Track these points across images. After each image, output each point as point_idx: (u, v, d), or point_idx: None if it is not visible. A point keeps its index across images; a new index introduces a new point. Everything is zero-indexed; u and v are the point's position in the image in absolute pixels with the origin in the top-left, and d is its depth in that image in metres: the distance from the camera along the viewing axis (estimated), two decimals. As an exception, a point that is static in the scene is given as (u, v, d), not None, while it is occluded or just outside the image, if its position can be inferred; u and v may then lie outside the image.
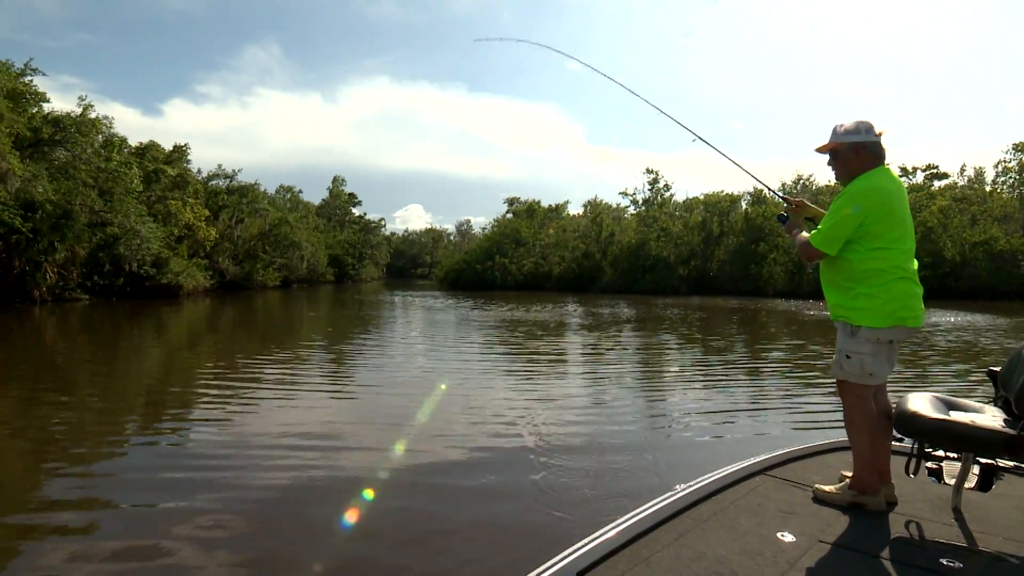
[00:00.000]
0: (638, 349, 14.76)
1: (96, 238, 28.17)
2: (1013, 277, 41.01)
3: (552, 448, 5.88)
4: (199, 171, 46.53)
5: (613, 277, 50.25)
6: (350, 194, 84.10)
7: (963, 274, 41.59)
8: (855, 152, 2.91)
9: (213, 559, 3.83)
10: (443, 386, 9.19)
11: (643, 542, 2.40)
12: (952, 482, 2.85)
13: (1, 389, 9.43)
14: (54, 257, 26.21)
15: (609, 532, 2.36)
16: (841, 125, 2.97)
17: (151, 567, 3.80)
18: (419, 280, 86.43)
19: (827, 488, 2.92)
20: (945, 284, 40.06)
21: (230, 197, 45.69)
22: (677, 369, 11.65)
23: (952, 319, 22.96)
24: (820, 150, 3.03)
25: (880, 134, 2.90)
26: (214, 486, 5.16)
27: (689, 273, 49.29)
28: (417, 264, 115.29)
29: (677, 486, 2.86)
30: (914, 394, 2.91)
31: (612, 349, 14.64)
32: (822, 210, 3.30)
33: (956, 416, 2.72)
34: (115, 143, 30.85)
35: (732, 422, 7.21)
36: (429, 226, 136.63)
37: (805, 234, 3.02)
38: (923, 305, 2.90)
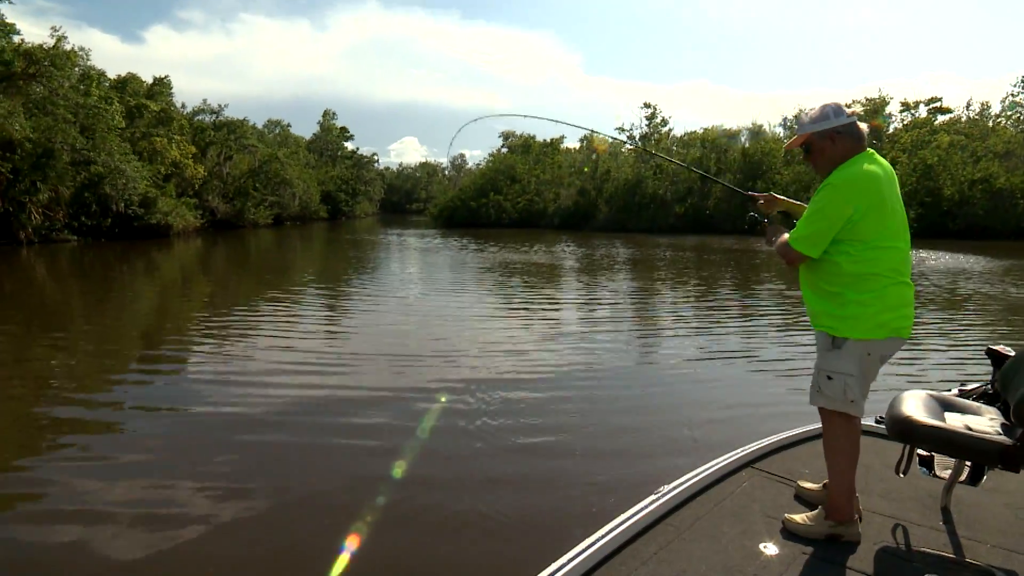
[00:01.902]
0: (633, 296, 14.68)
1: (80, 177, 27.52)
2: (1010, 216, 40.68)
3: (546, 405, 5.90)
4: (183, 106, 45.22)
5: (608, 215, 49.74)
6: (342, 128, 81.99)
7: (960, 213, 41.24)
8: (830, 140, 2.55)
9: (222, 506, 3.92)
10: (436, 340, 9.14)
11: (623, 556, 2.32)
12: (943, 474, 2.76)
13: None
14: (38, 197, 25.68)
15: (585, 551, 2.27)
16: (806, 113, 2.65)
17: (160, 511, 3.97)
18: (414, 216, 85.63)
19: (798, 519, 2.62)
20: (942, 224, 39.79)
21: (217, 133, 44.47)
22: (671, 315, 11.60)
23: (947, 260, 22.89)
24: (789, 147, 2.69)
25: (852, 114, 2.54)
26: (217, 426, 5.44)
27: (686, 211, 48.76)
28: (412, 199, 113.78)
29: (662, 487, 2.76)
30: (908, 394, 2.78)
31: (606, 298, 14.57)
32: (797, 202, 3.05)
33: (951, 421, 2.60)
34: (93, 76, 29.67)
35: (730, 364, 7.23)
36: (424, 160, 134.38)
37: (785, 235, 2.62)
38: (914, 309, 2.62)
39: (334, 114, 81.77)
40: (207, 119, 45.78)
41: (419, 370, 7.31)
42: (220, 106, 47.04)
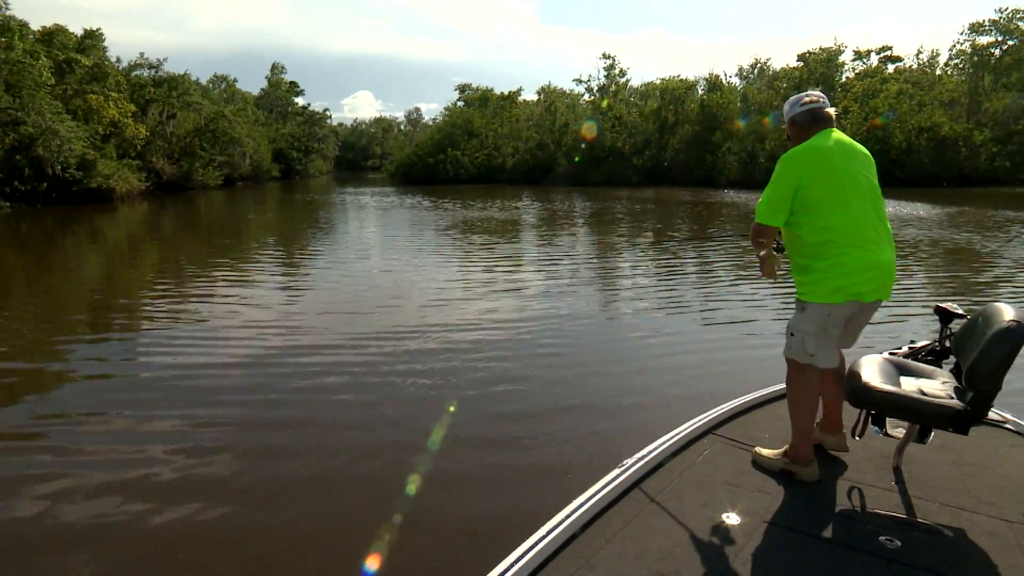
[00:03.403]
0: (594, 252, 14.71)
1: (9, 139, 25.88)
2: (953, 164, 42.13)
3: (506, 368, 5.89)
4: (118, 60, 42.61)
5: (567, 168, 49.48)
6: (291, 83, 78.78)
7: (908, 161, 42.42)
8: (791, 128, 2.89)
9: (187, 475, 3.88)
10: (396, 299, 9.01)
11: (589, 534, 2.32)
12: (896, 433, 2.84)
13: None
14: (-37, 162, 24.09)
15: (552, 532, 2.25)
16: (784, 106, 2.96)
17: (126, 478, 3.97)
18: (370, 173, 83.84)
19: (765, 452, 2.93)
20: (891, 172, 40.85)
21: (158, 90, 42.16)
22: (633, 271, 11.68)
23: (895, 208, 23.59)
24: (786, 138, 3.00)
25: (809, 101, 2.82)
26: (177, 393, 5.39)
27: (643, 163, 48.81)
28: (368, 156, 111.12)
29: (626, 460, 2.77)
30: (865, 359, 2.82)
31: (567, 254, 14.56)
32: None
33: (906, 385, 2.65)
34: (14, 28, 27.60)
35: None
36: (379, 115, 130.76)
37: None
38: (892, 272, 2.73)
39: (283, 68, 78.61)
40: (146, 74, 43.37)
41: (379, 332, 7.21)
42: (159, 60, 44.68)
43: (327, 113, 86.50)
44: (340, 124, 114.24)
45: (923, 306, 8.23)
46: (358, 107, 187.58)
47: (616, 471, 2.70)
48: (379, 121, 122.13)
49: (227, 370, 6.12)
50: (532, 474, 4.09)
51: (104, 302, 9.57)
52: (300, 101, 79.95)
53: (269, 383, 5.71)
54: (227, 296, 9.55)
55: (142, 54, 44.66)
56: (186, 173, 41.78)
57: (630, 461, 2.78)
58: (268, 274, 11.69)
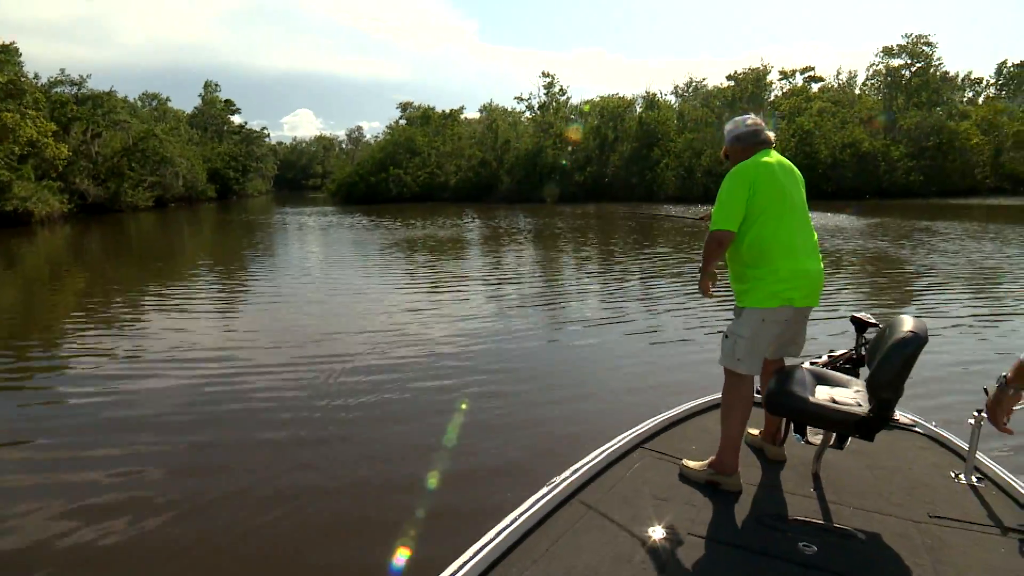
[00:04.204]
0: (537, 268, 14.81)
1: (-86, 161, 24.21)
2: (874, 177, 44.78)
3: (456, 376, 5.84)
4: (36, 76, 40.62)
5: (510, 186, 49.88)
6: (226, 101, 76.88)
7: (833, 175, 44.74)
8: (732, 146, 3.01)
9: (122, 500, 3.65)
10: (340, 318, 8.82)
11: (516, 555, 2.30)
12: (815, 440, 2.95)
13: None
14: None
15: (477, 554, 2.22)
16: (726, 127, 3.11)
17: (52, 508, 3.78)
18: (311, 193, 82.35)
19: (691, 464, 2.98)
20: (817, 186, 42.92)
21: (81, 108, 40.39)
22: (574, 286, 11.81)
23: (819, 221, 24.73)
24: (722, 157, 3.14)
25: (753, 123, 2.97)
26: (103, 423, 5.17)
27: (585, 180, 49.74)
28: (308, 175, 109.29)
29: (554, 478, 2.76)
30: (785, 368, 2.93)
31: (510, 271, 14.61)
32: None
33: (819, 394, 2.76)
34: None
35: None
36: (320, 133, 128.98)
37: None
38: (820, 281, 2.89)
39: (217, 86, 76.67)
40: (68, 91, 41.46)
41: (317, 356, 7.03)
42: (82, 77, 42.86)
43: (265, 132, 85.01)
44: (279, 143, 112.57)
45: (841, 315, 8.62)
46: (298, 125, 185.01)
47: (544, 490, 2.69)
48: (320, 139, 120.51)
49: (157, 397, 5.86)
50: (465, 490, 4.05)
51: (22, 331, 9.00)
52: (236, 119, 78.34)
53: (201, 409, 5.52)
54: (159, 322, 9.15)
55: (63, 70, 42.98)
56: (113, 194, 40.06)
57: (558, 479, 2.77)
58: (203, 299, 11.25)
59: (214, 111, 74.75)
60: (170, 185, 47.85)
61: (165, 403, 5.74)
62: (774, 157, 2.91)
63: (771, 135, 2.98)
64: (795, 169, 2.98)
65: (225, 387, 6.14)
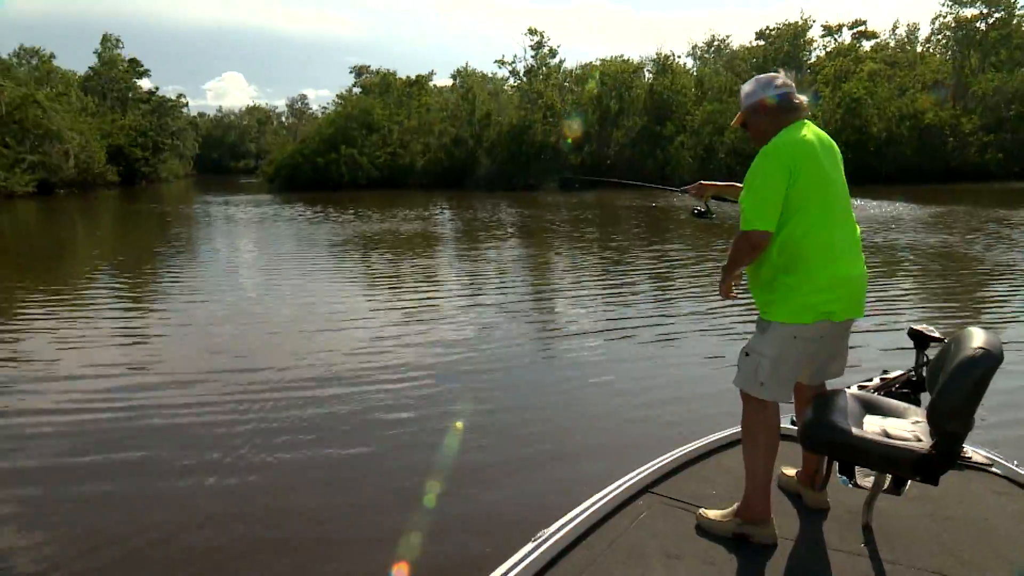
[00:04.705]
0: (525, 277, 14.81)
1: None
2: (939, 156, 45.16)
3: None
4: None
5: (491, 169, 49.97)
6: (131, 60, 76.55)
7: (889, 153, 45.20)
8: (760, 113, 2.95)
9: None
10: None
11: None
12: (865, 483, 2.94)
13: None
14: None
15: None
16: (743, 88, 3.06)
17: None
18: (242, 177, 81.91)
19: (712, 514, 2.97)
20: (870, 167, 43.42)
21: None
22: (573, 298, 11.82)
23: (872, 211, 25.02)
24: (734, 125, 3.15)
25: (783, 84, 2.92)
26: None
27: (583, 161, 49.97)
28: (239, 155, 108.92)
29: (542, 531, 2.76)
30: (827, 394, 2.92)
31: (492, 279, 14.61)
32: (727, 183, 3.59)
33: (869, 426, 2.75)
34: None
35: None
36: (253, 103, 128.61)
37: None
38: (864, 288, 2.92)
39: (118, 41, 76.26)
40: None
41: (255, 374, 6.99)
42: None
43: (183, 100, 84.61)
44: (201, 114, 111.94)
45: (898, 327, 8.71)
46: (225, 92, 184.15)
47: (530, 545, 2.68)
48: (253, 111, 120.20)
49: (32, 440, 5.75)
50: (434, 548, 4.03)
51: None
52: (145, 84, 78.00)
53: (91, 455, 5.42)
54: (39, 341, 9.02)
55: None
56: (-20, 178, 39.57)
57: (546, 533, 2.76)
58: (100, 309, 11.13)
59: (115, 73, 74.23)
60: (57, 166, 47.34)
61: (41, 446, 5.61)
62: (811, 131, 2.88)
63: (804, 100, 2.96)
64: (834, 145, 2.99)
65: (121, 423, 6.03)
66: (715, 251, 16.12)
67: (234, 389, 6.85)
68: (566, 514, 2.91)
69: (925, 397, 3.44)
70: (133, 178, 63.69)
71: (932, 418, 2.59)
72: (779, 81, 2.94)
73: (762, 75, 3.02)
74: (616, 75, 52.97)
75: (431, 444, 5.46)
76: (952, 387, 2.51)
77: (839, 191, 2.89)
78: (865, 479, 2.97)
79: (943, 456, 2.54)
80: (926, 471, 2.56)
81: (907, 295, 11.23)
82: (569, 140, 49.98)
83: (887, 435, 2.69)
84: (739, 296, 3.09)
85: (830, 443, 2.72)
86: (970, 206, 26.74)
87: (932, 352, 3.65)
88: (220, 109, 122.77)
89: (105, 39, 75.37)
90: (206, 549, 4.12)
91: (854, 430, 2.69)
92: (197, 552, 4.09)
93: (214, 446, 5.50)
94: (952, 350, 2.77)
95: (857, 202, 27.67)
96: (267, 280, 13.65)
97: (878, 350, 7.65)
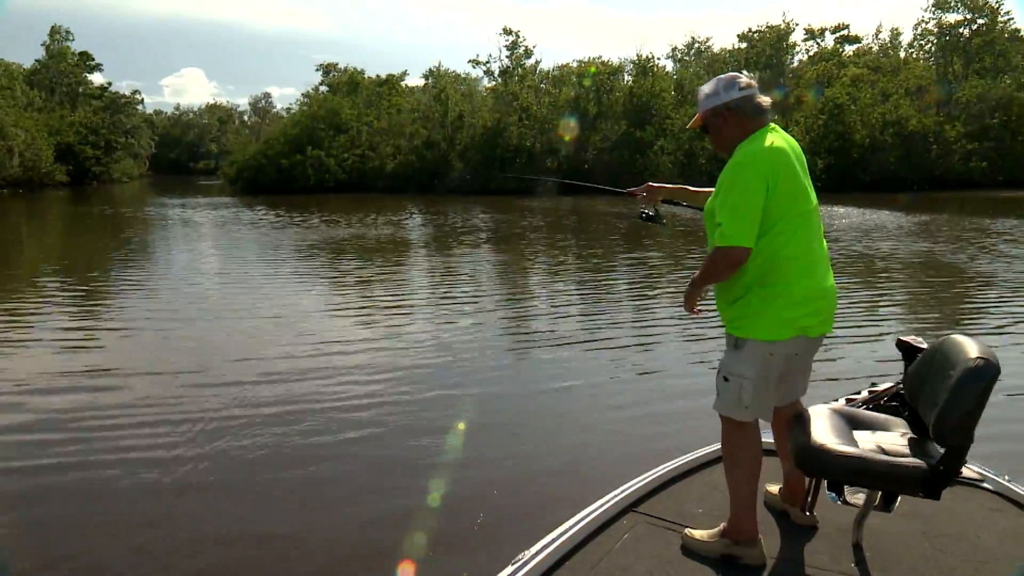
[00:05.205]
0: (496, 279, 14.80)
1: None
2: (923, 163, 45.93)
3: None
4: None
5: (464, 173, 49.90)
6: (82, 53, 75.52)
7: (872, 160, 45.86)
8: (722, 118, 2.91)
9: None
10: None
11: None
12: (855, 500, 2.96)
13: None
14: None
15: None
16: (701, 89, 3.00)
17: None
18: (202, 178, 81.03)
19: (698, 534, 2.98)
20: (852, 174, 44.03)
21: None
22: (541, 302, 11.83)
23: (853, 219, 25.38)
24: (691, 127, 3.12)
25: (747, 85, 2.87)
26: None
27: (559, 165, 50.06)
28: (198, 156, 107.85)
29: (521, 554, 2.75)
30: (812, 412, 2.93)
31: (464, 277, 14.57)
32: (677, 186, 3.63)
33: (863, 443, 2.76)
34: None
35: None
36: (214, 100, 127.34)
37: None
38: (835, 302, 2.92)
39: (68, 32, 75.09)
40: None
41: (213, 392, 6.88)
42: None
43: (138, 96, 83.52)
44: (158, 112, 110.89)
45: (878, 336, 8.83)
46: (184, 89, 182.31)
47: (509, 569, 2.67)
48: (214, 109, 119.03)
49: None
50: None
51: None
52: (97, 79, 76.93)
53: (32, 475, 5.34)
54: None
55: None
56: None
57: (526, 555, 2.75)
58: (46, 318, 10.93)
59: (64, 67, 73.12)
60: (1, 165, 46.39)
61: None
62: (781, 137, 2.86)
63: (769, 101, 2.92)
64: (800, 151, 2.96)
65: (67, 445, 5.89)
66: (693, 259, 16.23)
67: (188, 405, 6.75)
68: (546, 535, 2.90)
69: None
70: (83, 178, 62.64)
71: (938, 431, 2.60)
72: (743, 82, 2.89)
73: (723, 75, 2.96)
74: (594, 76, 53.19)
75: (403, 464, 5.44)
76: (957, 400, 2.53)
77: (813, 201, 2.88)
78: (854, 496, 2.99)
79: (948, 471, 2.56)
80: (933, 487, 2.58)
81: (891, 304, 11.40)
82: (567, 138, 50.06)
83: (883, 451, 2.72)
84: (709, 310, 3.09)
85: (830, 466, 2.71)
86: (954, 214, 27.24)
87: None
88: (178, 107, 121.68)
89: (54, 31, 74.23)
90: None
91: (853, 450, 2.70)
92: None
93: (163, 466, 5.42)
94: (939, 360, 2.79)
95: (841, 209, 28.25)
96: (223, 289, 13.49)
97: (859, 362, 7.76)
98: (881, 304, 11.34)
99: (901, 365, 3.96)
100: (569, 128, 50.19)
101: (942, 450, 2.60)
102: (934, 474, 2.57)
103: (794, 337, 2.78)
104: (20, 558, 4.24)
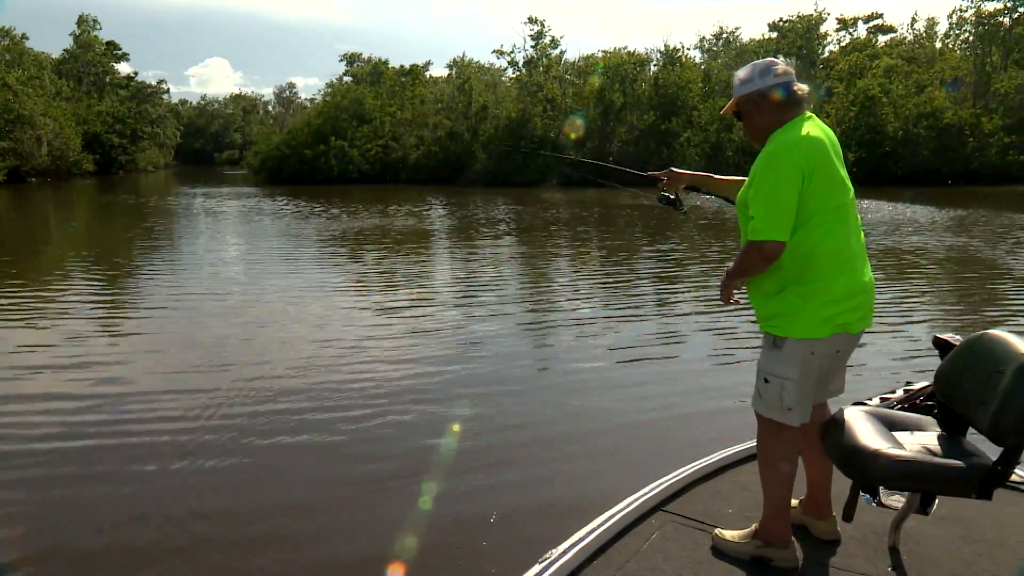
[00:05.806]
0: (520, 273, 14.80)
1: None
2: (959, 157, 45.21)
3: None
4: None
5: (487, 164, 49.91)
6: (109, 43, 76.50)
7: (905, 154, 45.28)
8: (756, 106, 2.83)
9: None
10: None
11: None
12: (892, 502, 2.91)
13: None
14: None
15: None
16: (736, 75, 2.92)
17: None
18: (226, 168, 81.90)
19: (729, 535, 2.93)
20: (884, 168, 43.48)
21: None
22: (574, 300, 11.81)
23: (885, 213, 25.05)
24: (724, 113, 3.05)
25: (783, 72, 2.78)
26: None
27: (585, 157, 49.89)
28: (223, 146, 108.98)
29: (550, 552, 2.75)
30: (846, 414, 2.86)
31: (487, 268, 14.58)
32: (701, 173, 3.58)
33: (908, 445, 2.69)
34: None
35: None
36: (239, 90, 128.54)
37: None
38: (873, 295, 2.83)
39: (96, 22, 76.27)
40: None
41: (224, 387, 6.92)
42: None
43: (164, 86, 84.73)
44: (183, 101, 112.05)
45: (911, 333, 8.70)
46: (209, 79, 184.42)
47: (537, 567, 2.65)
48: (238, 99, 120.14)
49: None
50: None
51: None
52: (124, 68, 77.95)
53: (64, 447, 5.49)
54: (7, 338, 8.97)
55: None
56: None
57: (555, 553, 2.74)
58: (74, 306, 11.09)
59: (92, 56, 74.16)
60: (30, 154, 47.27)
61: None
62: (818, 126, 2.77)
63: (807, 89, 2.84)
64: (836, 140, 2.88)
65: (94, 427, 6.02)
66: (715, 252, 16.11)
67: (207, 394, 6.80)
68: (574, 534, 2.88)
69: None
70: (110, 167, 63.67)
71: (994, 431, 2.52)
72: (779, 69, 2.80)
73: (759, 61, 2.88)
74: (620, 67, 52.89)
75: (427, 460, 5.41)
76: (1013, 398, 2.45)
77: (850, 193, 2.80)
78: (890, 498, 2.93)
79: (1004, 471, 2.49)
80: (986, 487, 2.51)
81: (924, 301, 11.23)
82: (572, 136, 49.89)
83: (930, 452, 2.65)
84: (743, 301, 3.01)
85: (880, 470, 2.61)
86: (991, 210, 26.78)
87: None
88: (203, 96, 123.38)
89: (81, 20, 75.33)
90: (178, 547, 4.09)
91: (903, 452, 2.62)
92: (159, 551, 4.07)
93: (184, 451, 5.48)
94: (979, 355, 2.71)
95: (871, 203, 27.90)
96: (246, 278, 13.56)
97: (892, 359, 7.66)
98: (911, 300, 11.16)
99: (936, 363, 3.91)
100: (575, 127, 50.01)
101: (977, 450, 2.55)
102: (990, 475, 2.50)
103: (834, 335, 2.71)
104: (26, 545, 4.29)
